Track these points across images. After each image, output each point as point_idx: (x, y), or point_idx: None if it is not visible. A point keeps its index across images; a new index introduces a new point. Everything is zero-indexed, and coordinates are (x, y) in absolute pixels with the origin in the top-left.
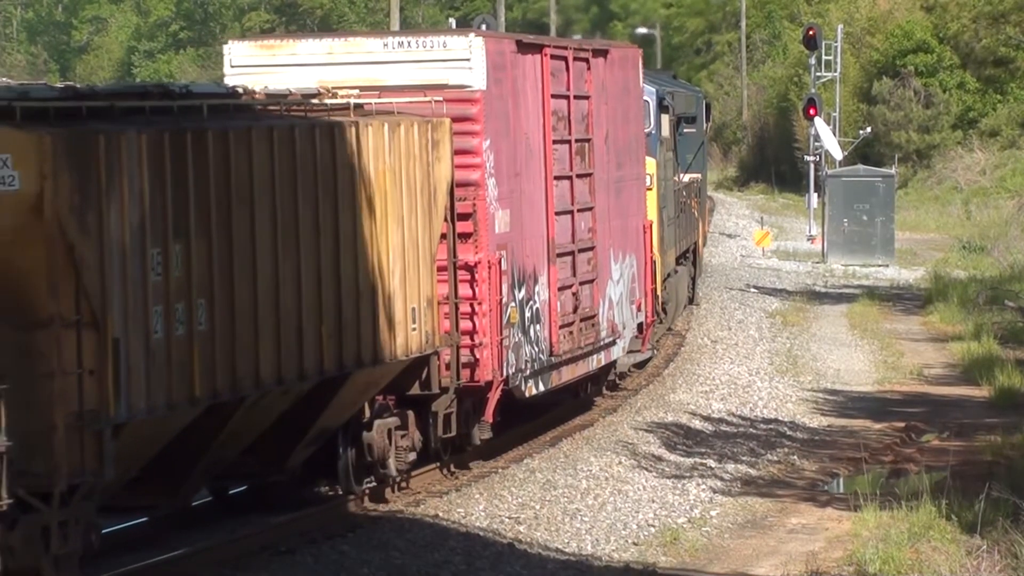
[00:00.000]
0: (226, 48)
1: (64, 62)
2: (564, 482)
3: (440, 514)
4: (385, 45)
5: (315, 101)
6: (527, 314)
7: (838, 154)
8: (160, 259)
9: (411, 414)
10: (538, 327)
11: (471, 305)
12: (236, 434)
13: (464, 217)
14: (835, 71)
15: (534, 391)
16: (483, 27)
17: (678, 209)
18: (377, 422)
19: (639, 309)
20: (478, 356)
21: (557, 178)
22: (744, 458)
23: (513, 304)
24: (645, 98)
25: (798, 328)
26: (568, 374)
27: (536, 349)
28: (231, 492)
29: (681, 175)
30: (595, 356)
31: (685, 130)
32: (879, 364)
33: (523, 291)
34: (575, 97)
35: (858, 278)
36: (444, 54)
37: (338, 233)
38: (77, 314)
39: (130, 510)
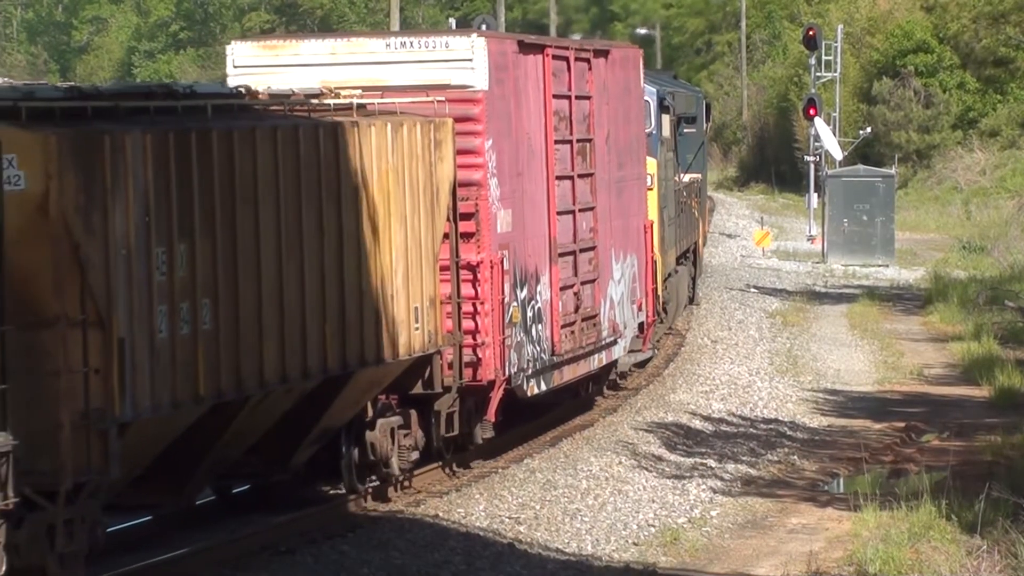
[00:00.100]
0: (229, 48)
1: (64, 62)
2: (564, 482)
3: (440, 514)
4: (388, 45)
5: (317, 101)
6: (529, 314)
7: (838, 154)
8: (165, 259)
9: (414, 413)
10: (540, 327)
11: (473, 305)
12: (240, 433)
13: (466, 217)
14: (835, 71)
15: (536, 390)
16: (483, 27)
17: (678, 209)
18: (380, 421)
19: (640, 309)
20: (480, 355)
21: (559, 178)
22: (744, 458)
23: (515, 304)
24: (646, 98)
25: (798, 328)
26: (570, 373)
27: (538, 348)
28: (234, 491)
29: (681, 175)
30: (596, 356)
31: (685, 130)
32: (879, 364)
33: (525, 291)
34: (576, 97)
35: (858, 278)
36: (447, 54)
37: (341, 233)
38: (82, 313)
39: (135, 508)
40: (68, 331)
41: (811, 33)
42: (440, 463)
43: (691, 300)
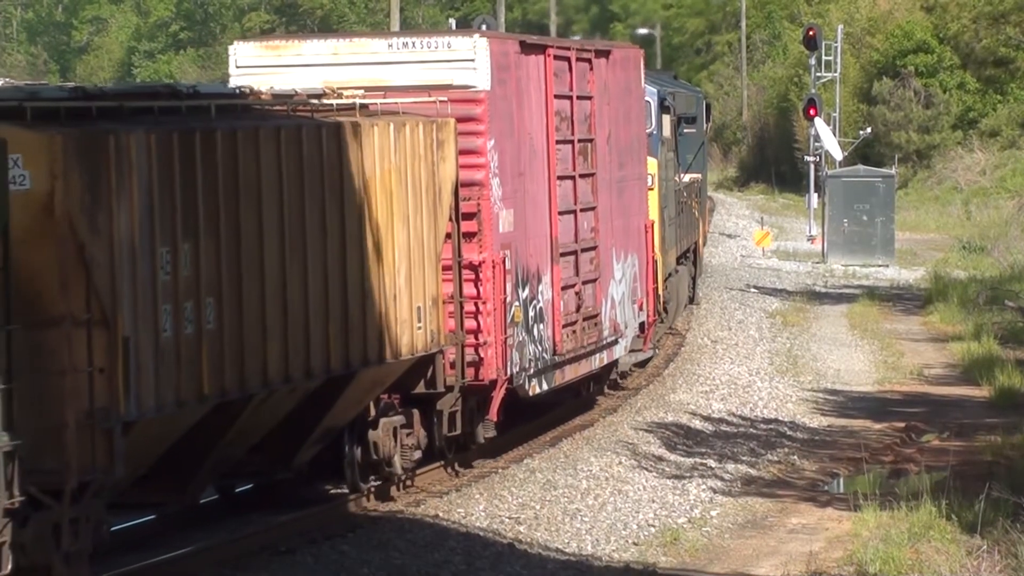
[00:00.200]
0: (231, 49)
1: (64, 62)
2: (564, 482)
3: (440, 514)
4: (390, 46)
5: (320, 101)
6: (531, 313)
7: (838, 154)
8: (169, 258)
9: (416, 413)
10: (541, 326)
11: (475, 304)
12: (244, 432)
13: (468, 217)
14: (835, 71)
15: (538, 390)
16: (483, 27)
17: (679, 209)
18: (383, 420)
19: (641, 308)
20: (482, 355)
21: (560, 178)
22: (744, 458)
23: (517, 303)
24: (647, 98)
25: (798, 328)
26: (571, 373)
27: (540, 348)
28: (237, 490)
29: (682, 175)
30: (598, 355)
31: (685, 130)
32: (879, 364)
33: (527, 290)
34: (578, 97)
35: (858, 278)
36: (449, 55)
37: (344, 232)
38: (88, 312)
39: (139, 507)
40: (73, 330)
41: (811, 33)
42: (442, 462)
43: (691, 300)
